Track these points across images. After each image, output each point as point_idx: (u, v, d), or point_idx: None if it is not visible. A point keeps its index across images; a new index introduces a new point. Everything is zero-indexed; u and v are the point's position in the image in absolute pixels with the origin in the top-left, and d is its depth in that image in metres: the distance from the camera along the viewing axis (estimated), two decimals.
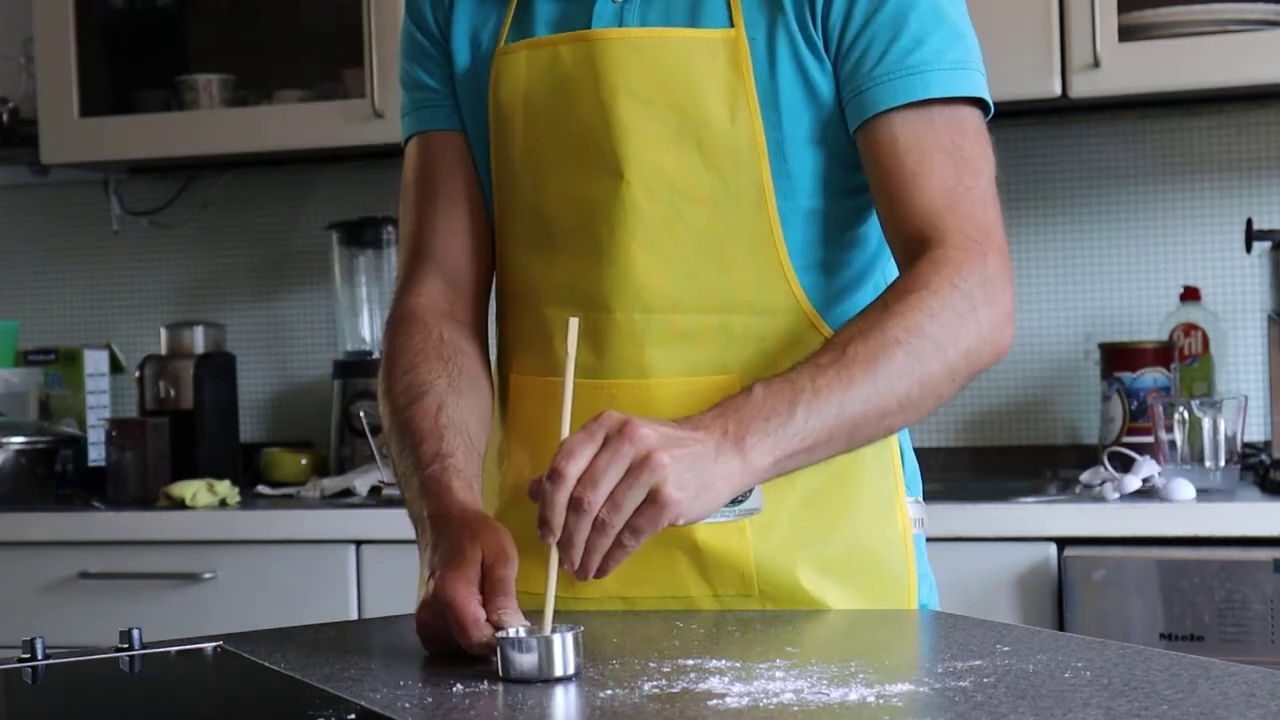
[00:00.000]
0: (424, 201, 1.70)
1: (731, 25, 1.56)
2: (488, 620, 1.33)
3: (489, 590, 1.36)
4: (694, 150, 1.56)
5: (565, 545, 1.31)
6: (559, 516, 1.30)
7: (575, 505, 1.30)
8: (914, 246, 1.51)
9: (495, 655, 1.27)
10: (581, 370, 1.54)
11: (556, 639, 1.25)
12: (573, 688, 1.21)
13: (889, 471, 1.63)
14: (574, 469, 1.30)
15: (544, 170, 1.61)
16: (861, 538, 1.61)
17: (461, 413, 1.58)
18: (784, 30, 1.55)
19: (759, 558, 1.57)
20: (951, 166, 1.53)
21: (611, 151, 1.57)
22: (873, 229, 1.62)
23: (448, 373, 1.61)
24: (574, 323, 1.37)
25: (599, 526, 1.31)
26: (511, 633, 1.29)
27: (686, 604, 1.60)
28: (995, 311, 1.49)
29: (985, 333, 1.48)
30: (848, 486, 1.60)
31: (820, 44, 1.55)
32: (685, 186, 1.56)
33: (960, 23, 1.57)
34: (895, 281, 1.50)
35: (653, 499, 1.31)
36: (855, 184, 1.59)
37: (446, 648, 1.36)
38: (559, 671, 1.24)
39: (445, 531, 1.45)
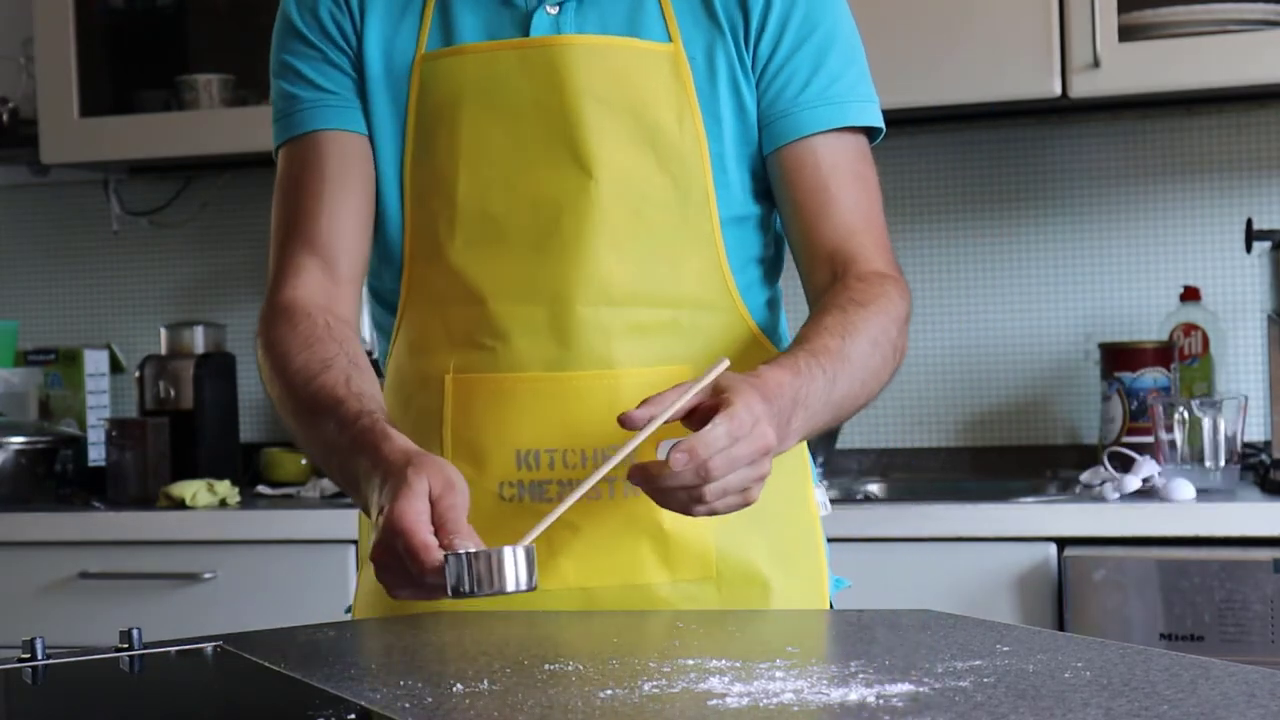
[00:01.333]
0: (309, 194, 1.68)
1: (669, 40, 1.66)
2: (440, 547, 1.34)
3: (438, 520, 1.36)
4: (650, 153, 1.64)
5: (661, 487, 1.39)
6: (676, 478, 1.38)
7: (702, 470, 1.37)
8: (836, 259, 1.67)
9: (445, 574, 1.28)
10: (544, 363, 1.63)
11: (507, 551, 1.25)
12: (572, 687, 1.21)
13: (800, 459, 1.74)
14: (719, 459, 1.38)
15: (490, 170, 1.65)
16: (793, 523, 1.71)
17: (370, 387, 1.57)
18: (722, 49, 1.67)
19: (719, 542, 1.65)
20: (863, 189, 1.70)
21: (580, 151, 1.63)
22: (776, 234, 1.76)
23: (344, 352, 1.60)
24: (725, 362, 1.46)
25: (698, 495, 1.39)
26: (460, 548, 1.29)
27: (645, 593, 1.63)
28: (907, 324, 1.68)
29: (904, 343, 1.67)
30: (776, 474, 1.63)
31: (749, 65, 1.67)
32: (644, 187, 1.64)
33: (864, 60, 1.73)
34: (857, 286, 1.63)
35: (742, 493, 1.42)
36: (769, 194, 1.72)
37: (408, 586, 1.37)
38: (511, 585, 1.24)
39: (389, 471, 1.43)
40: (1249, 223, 2.88)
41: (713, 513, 1.41)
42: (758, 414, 1.40)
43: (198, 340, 3.41)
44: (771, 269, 1.75)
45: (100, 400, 3.55)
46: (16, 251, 3.75)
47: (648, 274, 1.65)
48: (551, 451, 1.63)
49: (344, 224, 1.68)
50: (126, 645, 1.39)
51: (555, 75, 1.63)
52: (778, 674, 1.22)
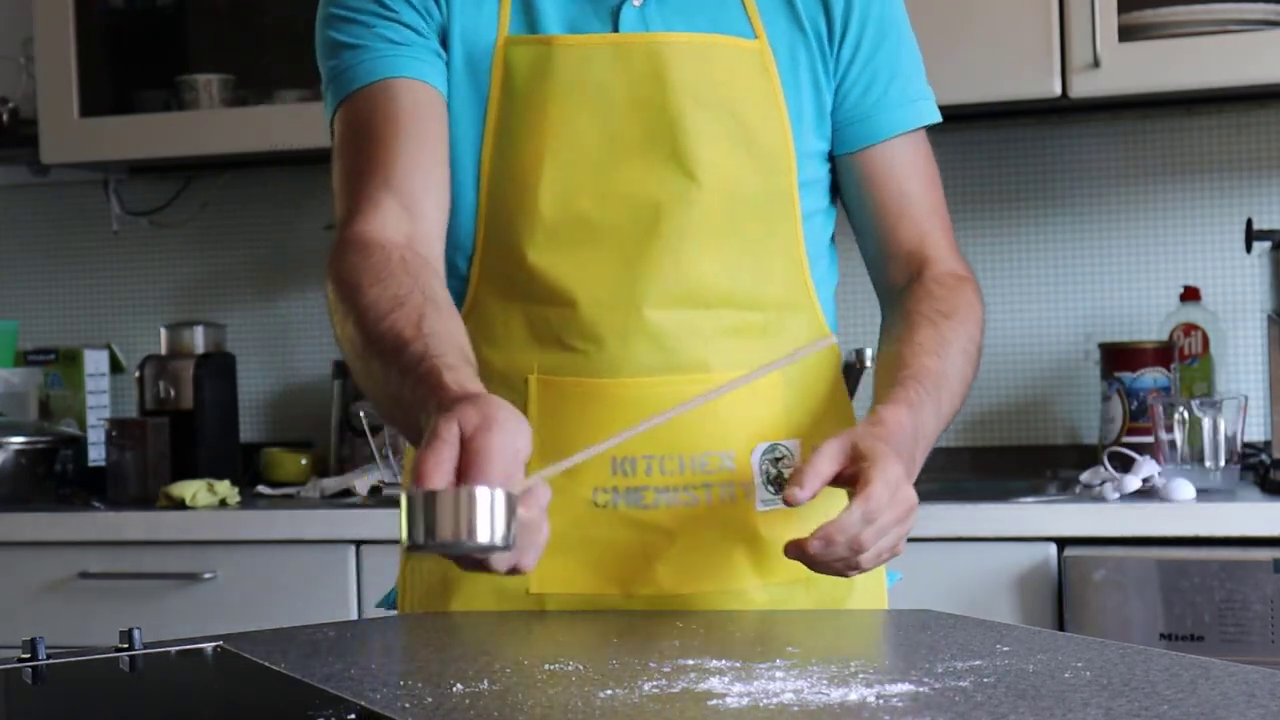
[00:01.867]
0: (383, 137, 1.58)
1: (755, 36, 1.63)
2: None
3: (463, 462, 1.22)
4: (745, 153, 1.62)
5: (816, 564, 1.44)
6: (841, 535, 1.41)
7: (854, 545, 1.42)
8: (912, 261, 1.69)
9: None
10: (639, 368, 1.60)
11: (480, 492, 1.05)
12: (572, 687, 1.21)
13: None
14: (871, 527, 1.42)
15: (578, 166, 1.60)
16: None
17: (446, 324, 1.44)
18: (804, 48, 1.65)
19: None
20: (935, 187, 1.72)
21: (682, 152, 1.60)
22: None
23: (419, 288, 1.47)
24: (831, 339, 1.52)
25: (854, 564, 1.44)
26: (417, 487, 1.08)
27: (738, 598, 1.62)
28: (983, 322, 1.70)
29: (982, 342, 1.69)
30: None
31: (830, 67, 1.66)
32: (740, 189, 1.62)
33: (919, 52, 1.74)
34: (939, 292, 1.65)
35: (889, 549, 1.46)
36: (835, 190, 1.73)
37: None
38: (483, 535, 1.05)
39: (433, 421, 1.29)
40: (1249, 223, 2.88)
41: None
42: (896, 481, 1.43)
43: (198, 340, 3.40)
44: (831, 264, 1.74)
45: (100, 400, 3.55)
46: (16, 251, 3.75)
47: (740, 276, 1.63)
48: (649, 458, 1.60)
49: (424, 167, 1.58)
50: (126, 645, 1.39)
51: (655, 73, 1.60)
52: (778, 674, 1.22)
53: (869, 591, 1.70)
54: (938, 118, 1.72)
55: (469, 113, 1.63)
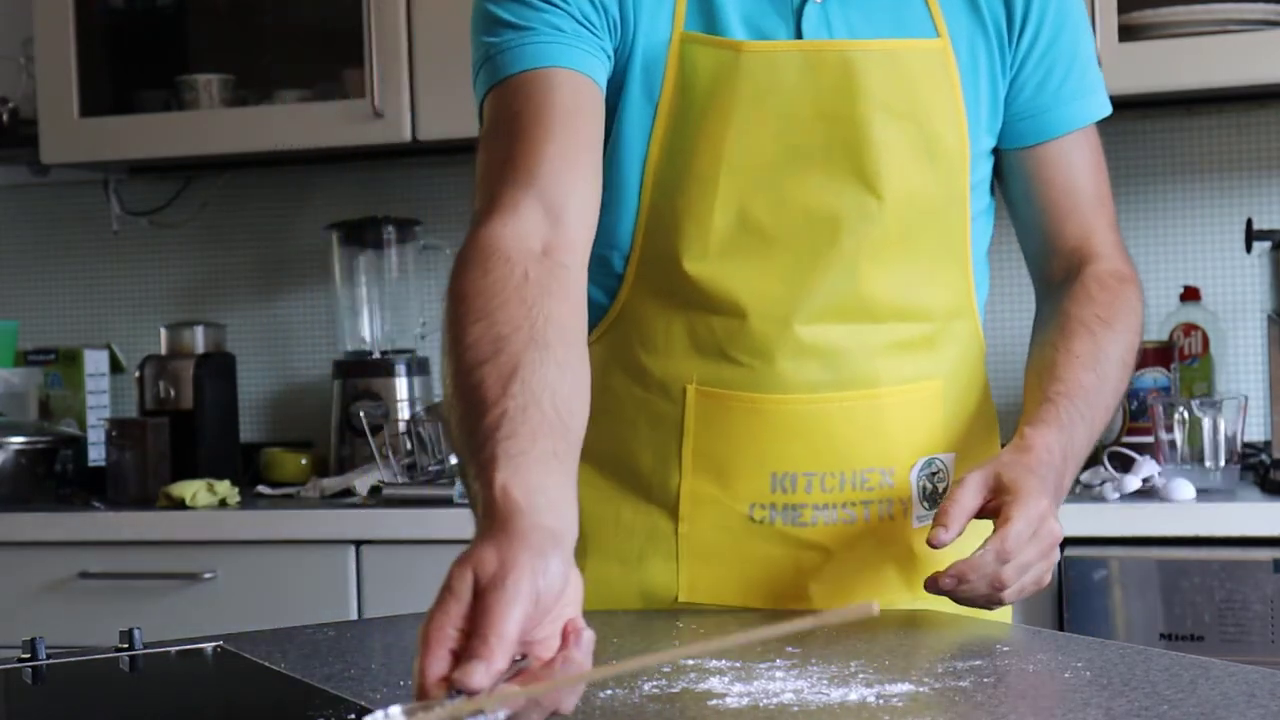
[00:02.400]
0: (533, 130, 1.46)
1: (937, 35, 1.57)
2: (448, 677, 1.04)
3: (472, 625, 1.06)
4: (927, 164, 1.57)
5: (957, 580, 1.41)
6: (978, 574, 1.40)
7: (996, 582, 1.40)
8: (1074, 256, 1.66)
9: None
10: (807, 385, 1.56)
11: None
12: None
13: None
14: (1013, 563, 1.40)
15: (756, 175, 1.54)
16: None
17: (543, 375, 1.26)
18: (984, 45, 1.59)
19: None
20: (1103, 180, 1.68)
21: (867, 166, 1.54)
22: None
23: (530, 322, 1.31)
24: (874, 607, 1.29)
25: (996, 598, 1.42)
26: (381, 716, 0.95)
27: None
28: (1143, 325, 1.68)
29: (1139, 344, 1.67)
30: None
31: (1007, 61, 1.60)
32: (921, 203, 1.57)
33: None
34: (1100, 295, 1.62)
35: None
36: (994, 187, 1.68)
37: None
38: None
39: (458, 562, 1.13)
40: (1249, 223, 2.88)
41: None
42: (1038, 517, 1.41)
43: (198, 340, 3.40)
44: (986, 269, 1.70)
45: (100, 400, 3.55)
46: (16, 251, 3.75)
47: (912, 288, 1.59)
48: (810, 475, 1.57)
49: (575, 168, 1.46)
50: (126, 645, 1.38)
51: (845, 83, 1.53)
52: (778, 674, 1.22)
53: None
54: (1109, 110, 1.67)
55: (637, 110, 1.55)
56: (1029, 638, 1.37)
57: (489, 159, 1.48)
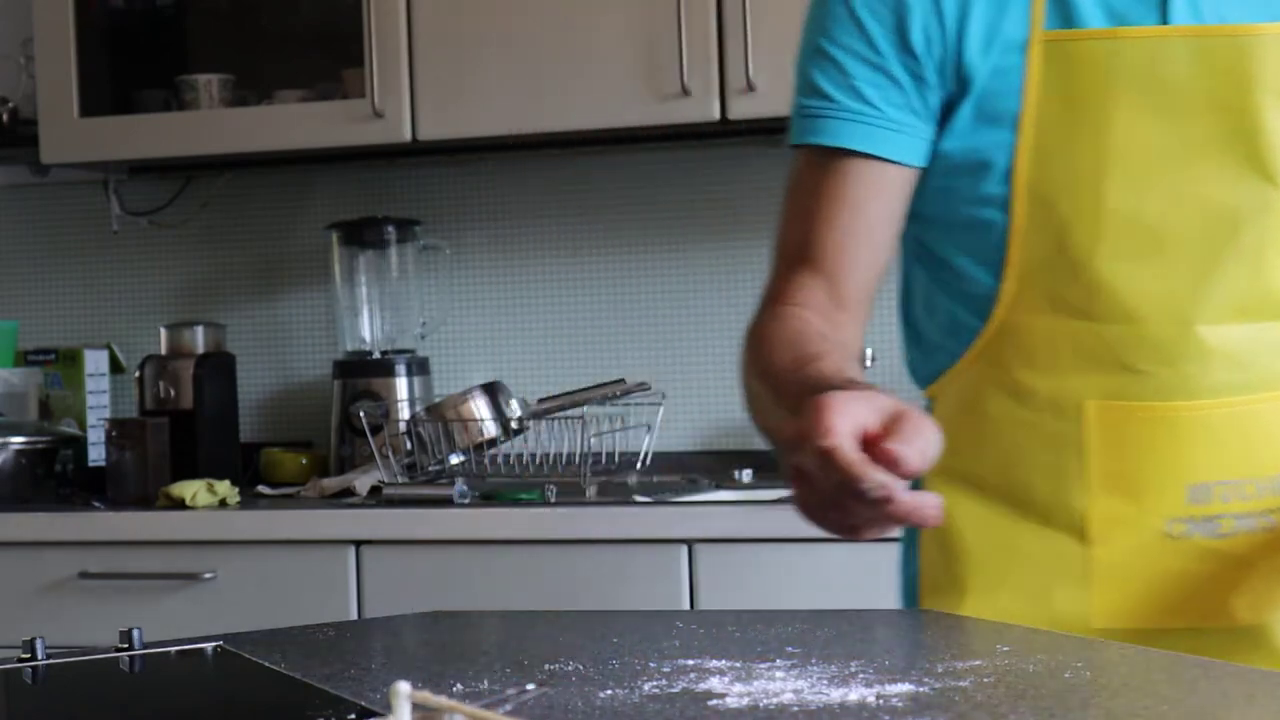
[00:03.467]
0: (823, 216, 1.53)
1: None
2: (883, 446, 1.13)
3: (890, 424, 1.15)
4: None
5: None
6: None
7: None
8: None
9: None
10: (1216, 389, 1.51)
11: None
12: (572, 687, 1.21)
13: None
14: None
15: (1148, 172, 1.49)
16: None
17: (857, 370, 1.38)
18: None
19: None
20: None
21: (1263, 156, 1.48)
22: None
23: (840, 352, 1.42)
24: None
25: None
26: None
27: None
28: None
29: None
30: None
31: None
32: None
33: None
34: None
35: None
36: None
37: (835, 515, 1.19)
38: None
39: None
40: None
41: None
42: None
43: (198, 340, 3.41)
44: None
45: (100, 400, 3.55)
46: (16, 251, 3.75)
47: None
48: (1226, 484, 1.52)
49: (858, 255, 1.53)
50: (126, 645, 1.38)
51: (1237, 69, 1.47)
52: (778, 674, 1.22)
53: None
54: None
55: (988, 127, 1.51)
56: (1029, 638, 1.37)
57: (785, 225, 1.56)
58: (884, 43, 1.52)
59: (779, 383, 1.40)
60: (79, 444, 3.44)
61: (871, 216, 1.53)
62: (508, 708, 1.06)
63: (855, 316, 1.54)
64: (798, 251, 1.54)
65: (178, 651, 1.41)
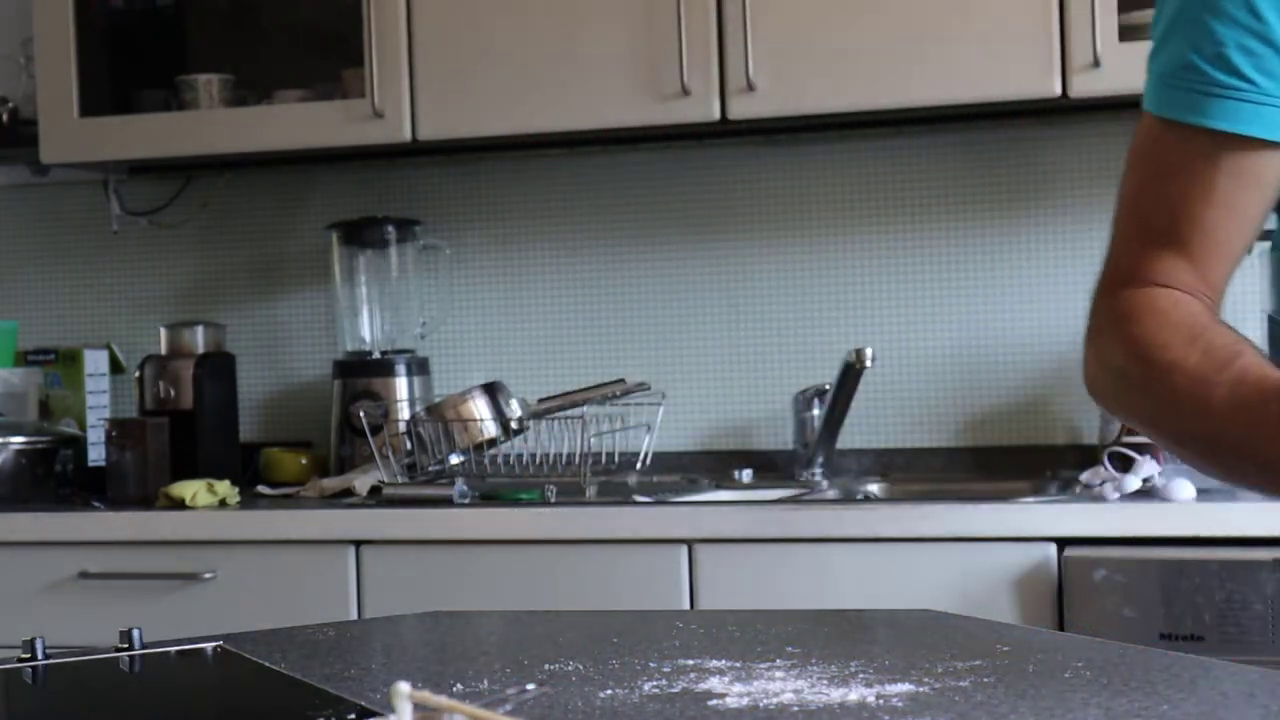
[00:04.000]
0: (1194, 208, 1.46)
1: None
2: None
3: None
4: None
5: None
6: None
7: None
8: None
9: None
10: None
11: None
12: (572, 687, 1.21)
13: None
14: None
15: None
16: None
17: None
18: None
19: None
20: None
21: None
22: None
23: (1255, 350, 1.38)
24: None
25: None
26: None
27: None
28: None
29: None
30: None
31: None
32: None
33: None
34: None
35: None
36: None
37: None
38: None
39: None
40: None
41: None
42: None
43: (198, 340, 3.41)
44: None
45: (100, 400, 3.55)
46: (16, 251, 3.75)
47: None
48: None
49: (1231, 246, 1.48)
50: (126, 645, 1.39)
51: None
52: (778, 674, 1.22)
53: None
54: None
55: None
56: (1029, 638, 1.37)
57: (1145, 206, 1.50)
58: (1268, 8, 1.39)
59: (1193, 378, 1.37)
60: (79, 444, 3.44)
61: (1246, 210, 1.46)
62: (508, 708, 1.06)
63: (1219, 308, 1.47)
64: (1163, 232, 1.46)
65: (178, 651, 1.41)
